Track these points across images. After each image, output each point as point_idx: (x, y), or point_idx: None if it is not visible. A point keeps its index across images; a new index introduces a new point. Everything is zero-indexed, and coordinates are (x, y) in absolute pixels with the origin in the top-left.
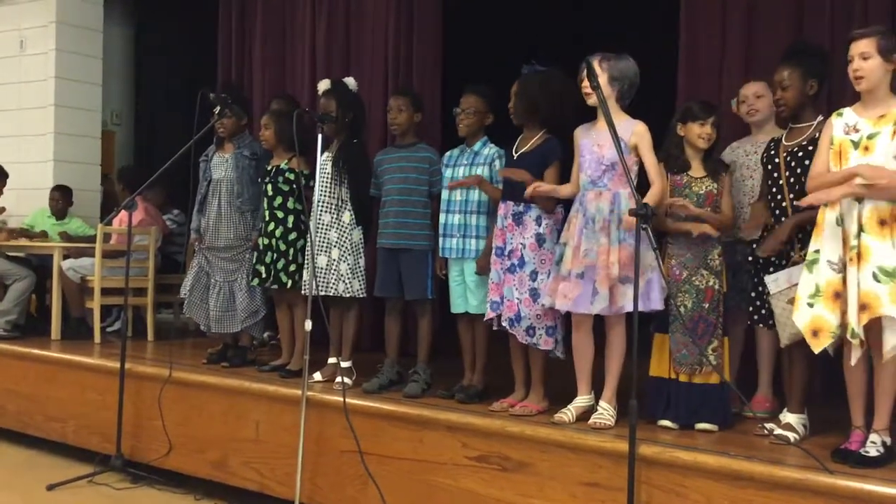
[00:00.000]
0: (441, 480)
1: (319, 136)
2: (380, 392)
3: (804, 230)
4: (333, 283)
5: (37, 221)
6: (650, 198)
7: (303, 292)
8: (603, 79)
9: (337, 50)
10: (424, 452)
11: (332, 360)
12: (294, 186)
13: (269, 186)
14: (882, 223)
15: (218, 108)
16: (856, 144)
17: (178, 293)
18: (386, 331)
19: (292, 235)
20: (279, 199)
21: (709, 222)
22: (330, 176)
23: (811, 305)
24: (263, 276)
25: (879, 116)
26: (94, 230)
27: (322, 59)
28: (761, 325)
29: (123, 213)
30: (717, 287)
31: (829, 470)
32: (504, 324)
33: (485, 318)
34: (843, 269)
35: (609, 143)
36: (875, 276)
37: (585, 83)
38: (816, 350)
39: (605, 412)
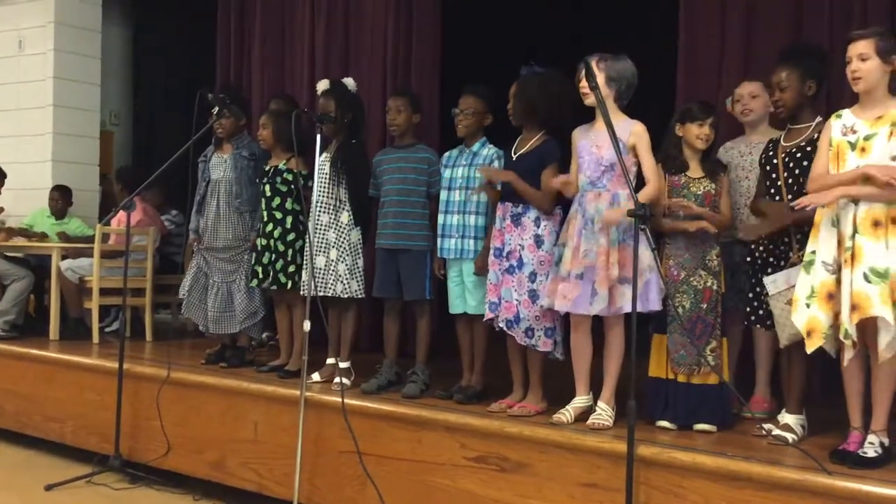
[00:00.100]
0: (439, 481)
1: (318, 137)
2: (378, 392)
3: (803, 231)
4: (332, 284)
5: (36, 221)
6: (643, 196)
7: (301, 293)
8: (600, 79)
9: (336, 50)
10: (423, 453)
11: (330, 360)
12: (292, 187)
13: (268, 187)
14: (876, 224)
15: (216, 108)
16: (853, 146)
17: (177, 293)
18: (384, 331)
19: (290, 236)
20: (277, 200)
21: (709, 221)
22: (328, 176)
23: (808, 306)
24: (261, 276)
25: (877, 118)
26: (92, 230)
27: (321, 59)
28: (759, 326)
29: (122, 214)
30: (715, 288)
31: (827, 471)
32: (501, 324)
33: (484, 319)
34: (837, 270)
35: (608, 143)
36: (866, 277)
37: (583, 83)
38: (809, 350)
39: (604, 413)
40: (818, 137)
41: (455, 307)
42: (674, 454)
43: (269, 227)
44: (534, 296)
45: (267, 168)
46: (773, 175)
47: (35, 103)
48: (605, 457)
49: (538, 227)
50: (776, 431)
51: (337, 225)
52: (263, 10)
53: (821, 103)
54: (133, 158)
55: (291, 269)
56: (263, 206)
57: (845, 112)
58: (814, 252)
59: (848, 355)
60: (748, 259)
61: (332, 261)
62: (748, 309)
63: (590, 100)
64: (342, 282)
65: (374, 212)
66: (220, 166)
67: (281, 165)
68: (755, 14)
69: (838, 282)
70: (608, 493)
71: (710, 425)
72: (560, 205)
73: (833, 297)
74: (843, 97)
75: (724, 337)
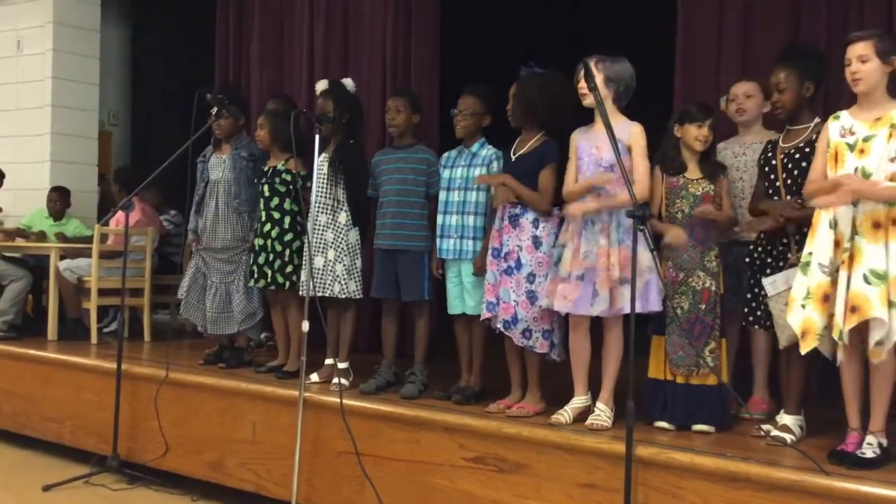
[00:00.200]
0: (438, 481)
1: (317, 137)
2: (377, 393)
3: (802, 232)
4: (329, 284)
5: (34, 222)
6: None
7: (300, 293)
8: (599, 80)
9: (335, 51)
10: (421, 453)
11: (329, 361)
12: (291, 187)
13: (266, 187)
14: (876, 226)
15: (215, 108)
16: (851, 147)
17: (175, 294)
18: (383, 332)
19: (288, 236)
20: (276, 200)
21: (719, 223)
22: (326, 176)
23: (804, 307)
24: (256, 276)
25: (875, 119)
26: (90, 231)
27: (320, 59)
28: (757, 327)
29: (120, 214)
30: (713, 288)
31: (825, 471)
32: (499, 325)
33: (481, 318)
34: (833, 272)
35: (607, 144)
36: (866, 279)
37: (582, 84)
38: (803, 351)
39: (602, 413)
40: (817, 138)
41: (453, 308)
42: (672, 455)
43: (267, 227)
44: (532, 297)
45: (265, 168)
46: (772, 176)
47: (33, 103)
48: (603, 457)
49: (536, 228)
50: (774, 432)
51: (335, 225)
52: (262, 10)
53: (819, 104)
54: (131, 158)
55: (289, 269)
56: (262, 206)
57: (843, 113)
58: (811, 253)
59: (841, 356)
60: (747, 260)
61: (330, 261)
62: (746, 310)
63: (588, 100)
64: (340, 282)
65: (373, 212)
66: (218, 167)
67: (279, 166)
68: (753, 13)
69: (834, 283)
70: (607, 493)
71: (708, 426)
72: (558, 205)
73: (829, 298)
74: (842, 98)
75: (724, 338)
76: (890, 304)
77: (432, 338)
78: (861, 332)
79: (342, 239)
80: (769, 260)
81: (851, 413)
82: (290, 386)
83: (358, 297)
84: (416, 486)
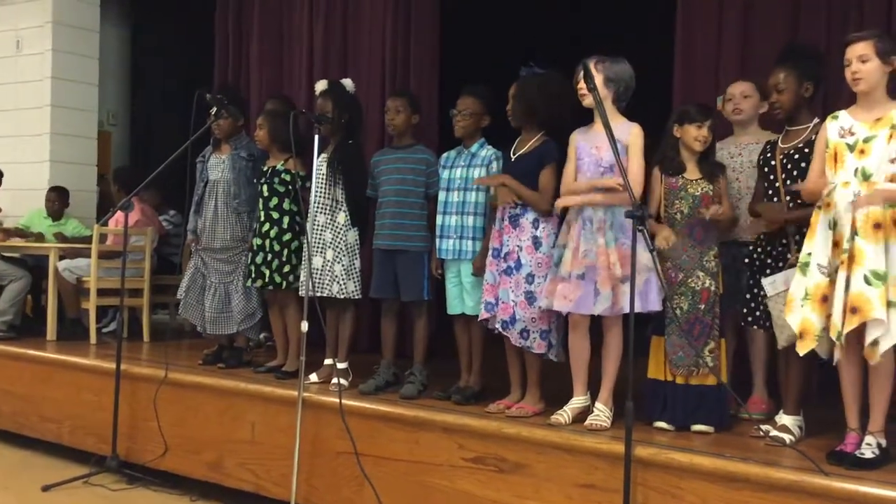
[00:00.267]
0: (437, 482)
1: (316, 137)
2: (376, 393)
3: (802, 232)
4: (328, 284)
5: (33, 222)
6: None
7: (300, 293)
8: (598, 80)
9: (334, 51)
10: (420, 454)
11: (328, 361)
12: (290, 187)
13: (265, 187)
14: (877, 227)
15: (214, 108)
16: (851, 147)
17: (174, 294)
18: (382, 332)
19: (287, 236)
20: (275, 200)
21: (722, 221)
22: (325, 177)
23: (803, 307)
24: (253, 275)
25: (876, 120)
26: (90, 231)
27: (319, 60)
28: (756, 327)
29: (119, 214)
30: (713, 288)
31: (824, 472)
32: (497, 325)
33: (479, 319)
34: (832, 272)
35: (607, 144)
36: (867, 280)
37: (582, 85)
38: (801, 352)
39: (602, 414)
40: (816, 139)
41: (453, 308)
42: (671, 455)
43: (266, 227)
44: (530, 297)
45: (265, 168)
46: (772, 177)
47: (33, 103)
48: (602, 457)
49: (536, 228)
50: (773, 432)
51: (333, 225)
52: (261, 10)
53: (818, 105)
54: (130, 159)
55: (287, 269)
56: (261, 206)
57: (842, 113)
58: (810, 254)
59: (839, 356)
60: (746, 260)
61: (329, 261)
62: (746, 310)
63: (588, 101)
64: (338, 282)
65: (372, 212)
66: (218, 167)
67: (279, 166)
68: (752, 13)
69: (832, 284)
70: (606, 493)
71: (707, 426)
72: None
73: (827, 299)
74: (841, 98)
75: (723, 338)
76: (889, 305)
77: (431, 338)
78: (860, 332)
79: (341, 239)
80: (769, 260)
81: (850, 413)
82: (290, 386)
83: (357, 297)
84: (415, 486)
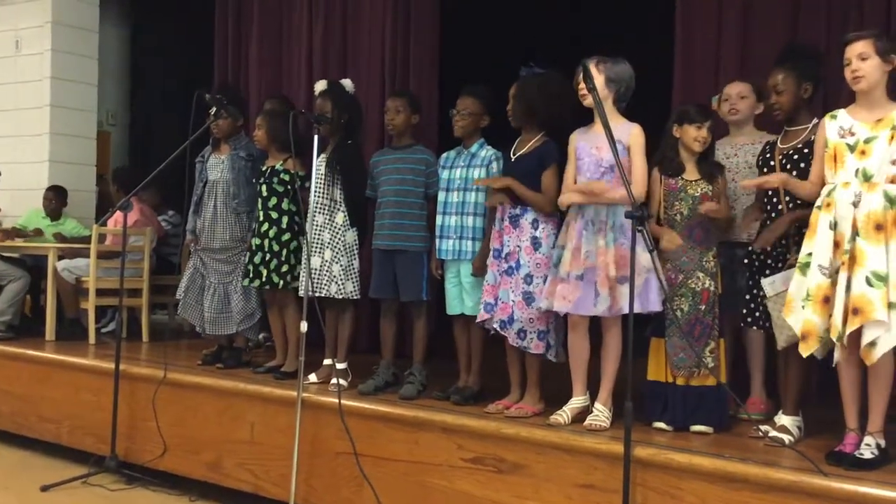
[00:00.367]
0: (436, 482)
1: (316, 138)
2: (375, 393)
3: (801, 233)
4: (326, 285)
5: (31, 222)
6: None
7: (299, 293)
8: (599, 80)
9: (334, 51)
10: (420, 454)
11: (327, 361)
12: (289, 187)
13: (264, 187)
14: (878, 228)
15: (213, 109)
16: (852, 148)
17: (174, 294)
18: (381, 332)
19: (286, 236)
20: (274, 200)
21: (721, 219)
22: (324, 177)
23: (804, 308)
24: (251, 275)
25: (877, 120)
26: (88, 231)
27: (319, 60)
28: (755, 327)
29: (118, 214)
30: (712, 289)
31: (823, 472)
32: (496, 325)
33: (477, 320)
34: (833, 273)
35: (608, 145)
36: (868, 281)
37: (582, 85)
38: (804, 354)
39: (601, 414)
40: (815, 139)
41: (452, 308)
42: (670, 455)
43: (265, 227)
44: (528, 298)
45: (264, 168)
46: None
47: (32, 103)
48: (602, 458)
49: (536, 229)
50: (773, 433)
51: (332, 225)
52: (261, 10)
53: (818, 105)
54: (130, 159)
55: (285, 269)
56: (259, 206)
57: (841, 113)
58: (809, 254)
59: (838, 356)
60: (745, 261)
61: (327, 261)
62: (745, 310)
63: (589, 101)
64: (337, 282)
65: (371, 212)
66: (217, 167)
67: (278, 166)
68: (752, 13)
69: (833, 285)
70: (605, 494)
71: (707, 427)
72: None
73: (829, 300)
74: (840, 98)
75: (722, 338)
76: (890, 307)
77: (431, 338)
78: (859, 333)
79: (339, 239)
80: (768, 261)
81: (849, 414)
82: (289, 386)
83: (355, 297)
84: (414, 486)
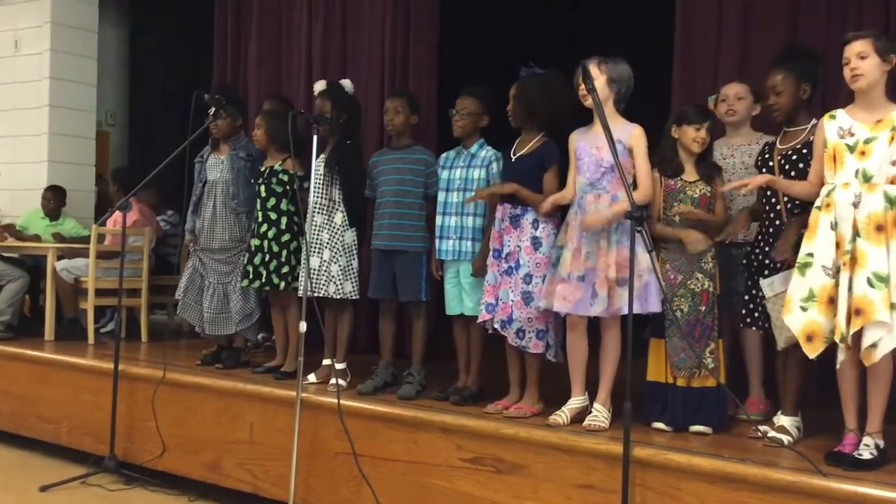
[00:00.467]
0: (435, 482)
1: (315, 138)
2: (374, 394)
3: (800, 233)
4: (324, 285)
5: (30, 222)
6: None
7: (299, 294)
8: (602, 81)
9: (333, 52)
10: (419, 454)
11: (326, 361)
12: (288, 188)
13: (263, 188)
14: (879, 228)
15: (213, 109)
16: (851, 148)
17: (173, 294)
18: (380, 332)
19: (285, 237)
20: (272, 201)
21: (708, 223)
22: (322, 177)
23: (804, 309)
24: (251, 277)
25: (876, 121)
26: (87, 231)
27: (318, 60)
28: (754, 328)
29: (117, 214)
30: (711, 290)
31: (822, 472)
32: (496, 325)
33: (478, 320)
34: (836, 273)
35: (608, 145)
36: (870, 282)
37: (582, 86)
38: (812, 355)
39: (600, 414)
40: (814, 139)
41: (452, 308)
42: (669, 456)
43: (264, 227)
44: (527, 297)
45: (262, 169)
46: None
47: (31, 103)
48: (601, 458)
49: (536, 229)
50: (772, 433)
51: (331, 226)
52: (260, 10)
53: (817, 106)
54: (129, 159)
55: (285, 269)
56: (258, 206)
57: (840, 113)
58: (809, 254)
59: (843, 358)
60: (745, 261)
61: (326, 261)
62: (744, 311)
63: (590, 102)
64: (335, 283)
65: (370, 213)
66: (216, 167)
67: (276, 166)
68: (752, 13)
69: (837, 286)
70: (604, 494)
71: (706, 427)
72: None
73: (834, 301)
74: (839, 99)
75: (721, 338)
76: (892, 308)
77: (430, 338)
78: (859, 334)
79: (338, 239)
80: (767, 261)
81: (848, 414)
82: (288, 386)
83: (354, 297)
84: (413, 486)
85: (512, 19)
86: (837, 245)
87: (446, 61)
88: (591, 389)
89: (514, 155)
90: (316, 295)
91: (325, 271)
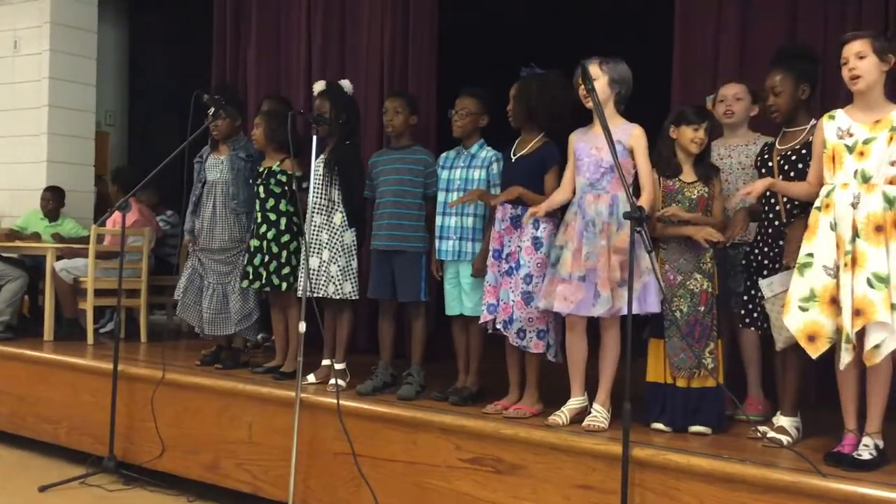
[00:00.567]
0: (434, 482)
1: (314, 138)
2: (374, 394)
3: None
4: (323, 285)
5: (29, 223)
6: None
7: (298, 294)
8: (603, 81)
9: (333, 52)
10: (418, 454)
11: (325, 362)
12: (286, 188)
13: (262, 188)
14: (878, 229)
15: (212, 109)
16: (850, 149)
17: (172, 295)
18: (380, 333)
19: (284, 237)
20: (271, 202)
21: (698, 224)
22: (322, 177)
23: (804, 309)
24: (251, 277)
25: (875, 121)
26: (87, 231)
27: (318, 60)
28: (752, 329)
29: (117, 214)
30: (710, 290)
31: (821, 473)
32: (498, 325)
33: (480, 321)
34: (837, 273)
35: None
36: (870, 283)
37: (582, 86)
38: (815, 355)
39: (599, 414)
40: (813, 140)
41: (451, 309)
42: (669, 456)
43: (263, 228)
44: (527, 297)
45: (261, 169)
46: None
47: (30, 104)
48: (600, 458)
49: (536, 229)
50: (771, 434)
51: (330, 226)
52: (259, 10)
53: (816, 106)
54: (128, 159)
55: (285, 270)
56: (258, 207)
57: (839, 113)
58: (809, 254)
59: (846, 359)
60: (744, 262)
61: (325, 262)
62: (743, 311)
63: (591, 103)
64: (334, 283)
65: (369, 213)
66: (216, 167)
67: (275, 167)
68: (751, 13)
69: (839, 285)
70: (603, 494)
71: (705, 427)
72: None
73: (836, 301)
74: (838, 99)
75: (720, 339)
76: (893, 308)
77: (429, 339)
78: (859, 335)
79: (337, 240)
80: (766, 262)
81: (848, 415)
82: (287, 387)
83: (354, 297)
84: (412, 487)
85: (512, 19)
86: (837, 245)
87: (446, 61)
88: (591, 390)
89: (514, 155)
90: (315, 295)
91: (325, 272)
